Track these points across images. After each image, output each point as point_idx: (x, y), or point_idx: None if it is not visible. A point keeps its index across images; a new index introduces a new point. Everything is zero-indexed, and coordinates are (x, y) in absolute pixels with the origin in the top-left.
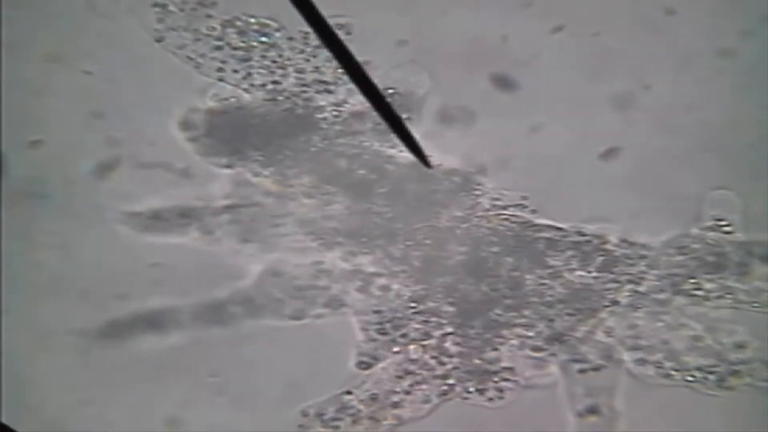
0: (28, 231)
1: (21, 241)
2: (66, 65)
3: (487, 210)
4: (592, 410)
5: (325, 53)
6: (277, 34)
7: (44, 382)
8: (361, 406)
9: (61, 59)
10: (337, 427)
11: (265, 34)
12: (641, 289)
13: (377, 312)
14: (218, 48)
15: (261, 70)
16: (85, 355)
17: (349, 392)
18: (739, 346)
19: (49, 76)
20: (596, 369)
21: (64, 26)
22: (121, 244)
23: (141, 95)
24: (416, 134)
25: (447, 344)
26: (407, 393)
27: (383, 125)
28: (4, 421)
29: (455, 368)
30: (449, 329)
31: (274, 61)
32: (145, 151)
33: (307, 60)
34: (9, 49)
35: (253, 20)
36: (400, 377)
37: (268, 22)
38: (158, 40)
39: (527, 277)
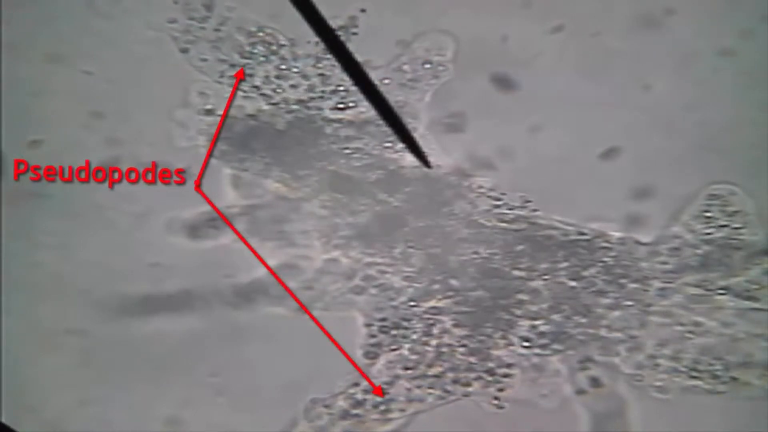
0: (28, 231)
1: (21, 241)
2: (66, 65)
3: (488, 210)
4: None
5: (329, 57)
6: (283, 41)
7: (44, 382)
8: (360, 404)
9: (61, 59)
10: (336, 425)
11: (271, 44)
12: (641, 287)
13: (380, 310)
14: (221, 50)
15: (265, 74)
16: (85, 355)
17: (349, 391)
18: (740, 345)
19: (49, 76)
20: (597, 367)
21: (64, 26)
22: (121, 244)
23: (141, 95)
24: (416, 134)
25: (448, 343)
26: (408, 392)
27: (385, 126)
28: (4, 421)
29: (456, 367)
30: (451, 328)
31: (279, 66)
32: (145, 151)
33: (312, 64)
34: (9, 49)
35: (260, 33)
36: (400, 375)
37: (274, 31)
38: (183, 51)
39: (528, 276)
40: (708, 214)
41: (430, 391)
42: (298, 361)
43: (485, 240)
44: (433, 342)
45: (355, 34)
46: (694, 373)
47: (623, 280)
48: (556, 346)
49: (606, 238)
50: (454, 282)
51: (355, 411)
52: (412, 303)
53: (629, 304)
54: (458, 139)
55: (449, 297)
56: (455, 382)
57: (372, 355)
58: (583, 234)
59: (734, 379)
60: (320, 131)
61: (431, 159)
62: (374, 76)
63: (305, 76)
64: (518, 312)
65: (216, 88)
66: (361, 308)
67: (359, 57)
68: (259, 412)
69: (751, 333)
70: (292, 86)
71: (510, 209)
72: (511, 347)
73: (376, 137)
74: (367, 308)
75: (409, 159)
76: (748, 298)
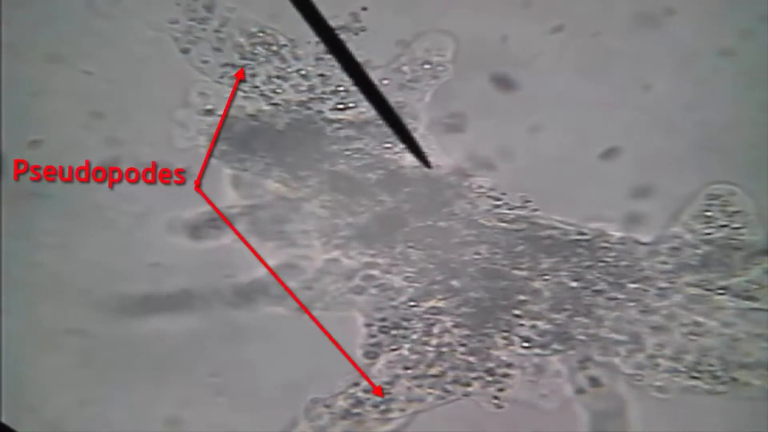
0: (28, 231)
1: (21, 241)
2: (66, 65)
3: (488, 210)
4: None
5: (329, 57)
6: (283, 41)
7: (44, 382)
8: (360, 404)
9: (61, 59)
10: (337, 424)
11: (270, 44)
12: (641, 287)
13: (380, 310)
14: (222, 51)
15: (266, 74)
16: (85, 355)
17: (349, 391)
18: (740, 345)
19: (49, 76)
20: (597, 368)
21: (64, 26)
22: (121, 244)
23: (141, 95)
24: (416, 134)
25: (448, 343)
26: (408, 391)
27: (385, 127)
28: (4, 421)
29: (456, 367)
30: (451, 328)
31: (279, 66)
32: (145, 151)
33: (312, 66)
34: (9, 49)
35: (261, 34)
36: (400, 375)
37: (274, 32)
38: (184, 51)
39: (528, 276)
40: (708, 214)
41: (430, 391)
42: (298, 361)
43: (485, 240)
44: (433, 342)
45: (356, 34)
46: (694, 373)
47: (623, 280)
48: (556, 346)
49: (606, 238)
50: (454, 282)
51: (355, 411)
52: (412, 303)
53: (629, 304)
54: (458, 139)
55: (449, 297)
56: (455, 382)
57: (372, 355)
58: (583, 234)
59: (734, 379)
60: (320, 131)
61: (431, 159)
62: (374, 76)
63: (305, 77)
64: (518, 312)
65: (216, 89)
66: (361, 308)
67: (359, 57)
68: (259, 412)
69: (751, 333)
70: (293, 86)
71: (510, 209)
72: (511, 347)
73: (376, 137)
74: (367, 308)
75: (409, 159)
76: (748, 298)
